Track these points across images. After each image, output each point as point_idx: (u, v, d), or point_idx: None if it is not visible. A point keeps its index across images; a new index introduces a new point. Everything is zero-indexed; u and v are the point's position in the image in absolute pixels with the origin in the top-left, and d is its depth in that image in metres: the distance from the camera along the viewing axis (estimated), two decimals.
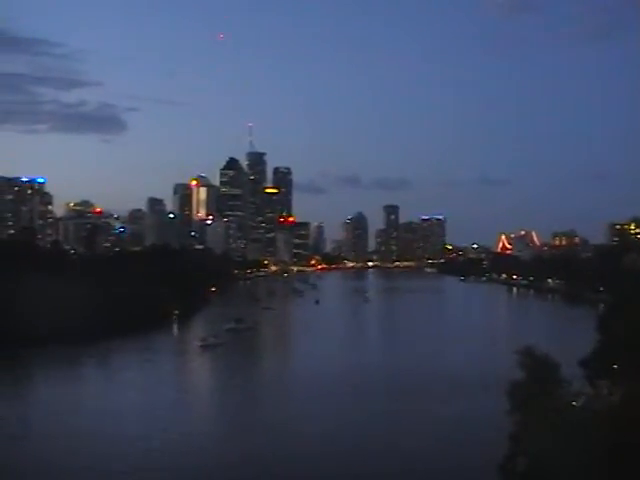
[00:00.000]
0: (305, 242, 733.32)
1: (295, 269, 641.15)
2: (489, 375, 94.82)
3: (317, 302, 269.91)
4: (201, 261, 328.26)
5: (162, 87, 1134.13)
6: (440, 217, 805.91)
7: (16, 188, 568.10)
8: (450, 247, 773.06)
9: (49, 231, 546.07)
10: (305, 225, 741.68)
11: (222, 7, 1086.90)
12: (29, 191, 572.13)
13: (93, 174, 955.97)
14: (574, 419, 47.00)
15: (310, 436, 76.06)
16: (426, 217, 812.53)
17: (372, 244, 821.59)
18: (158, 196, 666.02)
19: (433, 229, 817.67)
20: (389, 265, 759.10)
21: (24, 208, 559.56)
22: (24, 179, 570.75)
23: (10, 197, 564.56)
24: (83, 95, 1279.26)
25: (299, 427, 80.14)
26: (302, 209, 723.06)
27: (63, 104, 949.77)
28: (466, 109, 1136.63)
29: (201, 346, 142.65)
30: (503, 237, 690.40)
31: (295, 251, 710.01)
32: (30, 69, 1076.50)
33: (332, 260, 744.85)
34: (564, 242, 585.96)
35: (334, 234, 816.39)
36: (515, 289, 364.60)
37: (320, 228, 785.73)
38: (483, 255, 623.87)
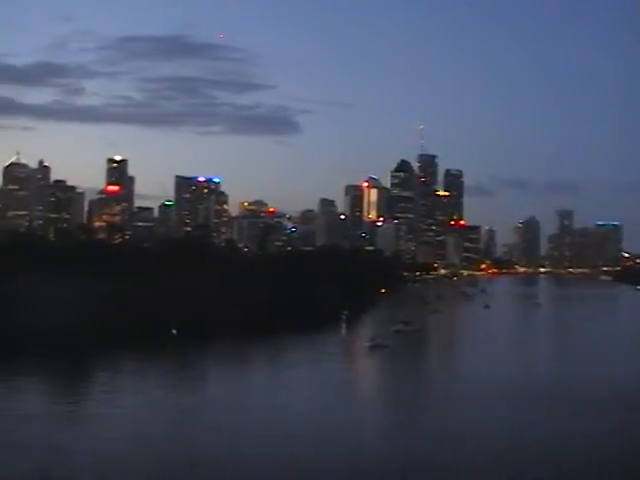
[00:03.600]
0: (476, 246, 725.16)
1: (465, 273, 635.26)
2: None
3: (487, 307, 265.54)
4: (371, 262, 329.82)
5: (334, 89, 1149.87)
6: (616, 223, 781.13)
7: (193, 187, 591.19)
8: (627, 255, 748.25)
9: (223, 229, 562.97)
10: (476, 229, 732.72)
11: (387, 8, 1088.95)
12: (205, 190, 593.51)
13: (267, 175, 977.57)
14: None
15: (491, 440, 74.43)
16: (601, 223, 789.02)
17: (544, 249, 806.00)
18: (330, 197, 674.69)
19: (608, 235, 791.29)
20: (561, 271, 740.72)
21: (200, 207, 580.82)
22: (201, 179, 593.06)
23: (187, 196, 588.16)
24: (257, 98, 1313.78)
25: (477, 432, 78.47)
26: (472, 212, 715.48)
27: (238, 106, 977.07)
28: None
29: (369, 347, 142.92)
30: None
31: (465, 255, 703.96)
32: (208, 73, 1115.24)
33: (503, 265, 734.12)
34: None
35: (505, 238, 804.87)
36: None
37: (491, 232, 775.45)
38: None
